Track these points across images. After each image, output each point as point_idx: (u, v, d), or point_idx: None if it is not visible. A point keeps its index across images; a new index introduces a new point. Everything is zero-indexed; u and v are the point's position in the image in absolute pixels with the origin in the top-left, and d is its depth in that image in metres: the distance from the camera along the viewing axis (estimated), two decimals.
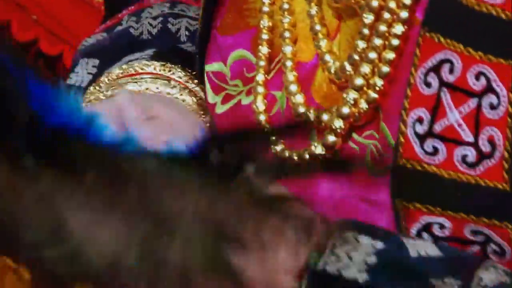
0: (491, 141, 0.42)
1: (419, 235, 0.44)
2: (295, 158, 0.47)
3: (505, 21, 0.42)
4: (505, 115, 0.41)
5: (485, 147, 0.42)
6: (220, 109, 0.52)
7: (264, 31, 0.50)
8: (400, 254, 0.40)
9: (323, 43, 0.47)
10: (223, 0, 0.54)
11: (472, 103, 0.42)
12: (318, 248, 0.39)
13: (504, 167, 0.42)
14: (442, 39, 0.43)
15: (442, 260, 0.41)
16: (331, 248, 0.40)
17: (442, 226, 0.43)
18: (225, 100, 0.51)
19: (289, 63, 0.48)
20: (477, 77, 0.42)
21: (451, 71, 0.42)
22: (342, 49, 0.47)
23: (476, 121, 0.42)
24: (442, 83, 0.43)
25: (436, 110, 0.43)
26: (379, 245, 0.40)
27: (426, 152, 0.43)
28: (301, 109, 0.47)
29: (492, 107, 0.42)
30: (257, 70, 0.50)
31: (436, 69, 0.43)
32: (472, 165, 0.42)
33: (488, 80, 0.42)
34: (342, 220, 0.42)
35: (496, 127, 0.42)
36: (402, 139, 0.43)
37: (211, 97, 0.53)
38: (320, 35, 0.47)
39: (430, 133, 0.43)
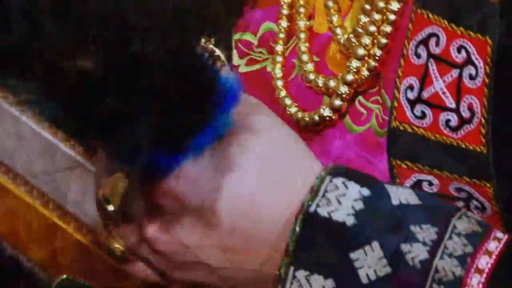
0: (470, 108, 0.47)
1: None
2: (307, 119, 0.54)
3: (482, 1, 0.46)
4: (482, 85, 0.46)
5: (465, 113, 0.47)
6: (243, 69, 0.60)
7: (284, 6, 0.58)
8: (383, 201, 0.46)
9: (335, 18, 0.54)
10: None
11: (454, 73, 0.47)
12: (312, 191, 0.46)
13: (481, 132, 0.46)
14: (430, 15, 0.47)
15: (421, 208, 0.46)
16: (323, 192, 0.46)
17: (430, 183, 0.49)
18: (249, 63, 0.60)
19: (302, 35, 0.55)
20: (458, 50, 0.47)
21: (437, 44, 0.47)
22: (352, 24, 0.53)
23: (457, 90, 0.47)
24: (430, 55, 0.47)
25: (425, 78, 0.48)
26: (365, 192, 0.46)
27: (416, 116, 0.49)
28: (311, 76, 0.54)
29: (471, 77, 0.46)
30: (277, 41, 0.57)
31: (425, 41, 0.48)
32: (454, 129, 0.47)
33: (468, 53, 0.46)
34: (334, 166, 0.48)
35: (475, 96, 0.46)
36: (396, 104, 0.49)
37: (236, 60, 0.61)
38: (332, 11, 0.54)
39: (419, 99, 0.48)
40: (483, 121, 0.46)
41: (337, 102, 0.52)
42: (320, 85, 0.53)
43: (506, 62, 0.45)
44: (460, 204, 0.49)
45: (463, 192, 0.48)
